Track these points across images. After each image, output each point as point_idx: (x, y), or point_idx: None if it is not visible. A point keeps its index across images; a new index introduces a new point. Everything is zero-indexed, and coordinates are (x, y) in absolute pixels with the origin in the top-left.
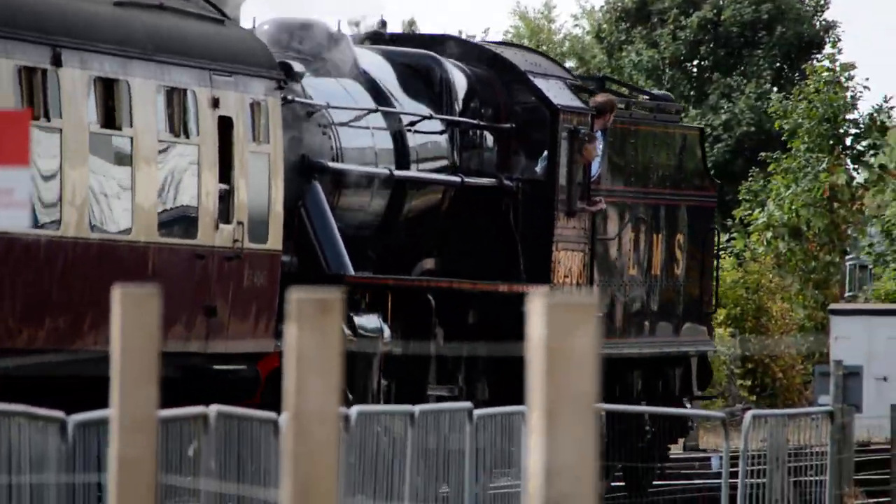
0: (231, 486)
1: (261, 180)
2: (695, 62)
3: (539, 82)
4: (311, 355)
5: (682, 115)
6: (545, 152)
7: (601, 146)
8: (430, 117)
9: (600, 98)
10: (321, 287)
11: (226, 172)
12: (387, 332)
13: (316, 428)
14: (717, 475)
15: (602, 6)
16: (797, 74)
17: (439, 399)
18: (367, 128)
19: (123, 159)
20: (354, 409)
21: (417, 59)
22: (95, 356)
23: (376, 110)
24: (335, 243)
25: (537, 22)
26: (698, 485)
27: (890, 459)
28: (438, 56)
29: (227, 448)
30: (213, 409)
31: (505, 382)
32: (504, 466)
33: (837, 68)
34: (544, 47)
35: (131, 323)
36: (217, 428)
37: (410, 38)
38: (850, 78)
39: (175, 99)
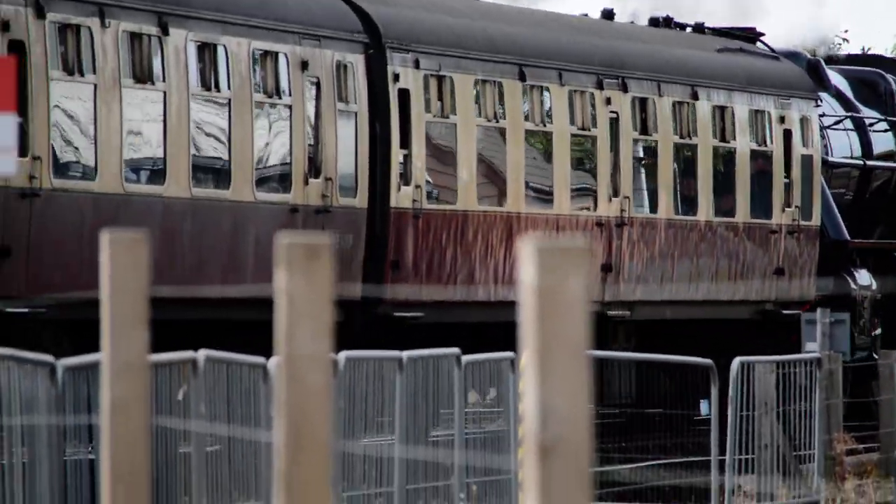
0: (222, 428)
1: (807, 175)
2: None
3: None
4: (301, 300)
5: None
6: None
7: None
8: (883, 119)
9: None
10: (829, 250)
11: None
12: (874, 283)
13: (307, 372)
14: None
15: None
16: None
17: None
18: (844, 129)
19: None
20: (343, 355)
21: (866, 74)
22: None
23: (850, 116)
24: (835, 218)
25: None
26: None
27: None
28: (882, 71)
29: (216, 392)
30: (202, 353)
31: None
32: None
33: None
34: None
35: (121, 267)
36: (206, 372)
37: (855, 58)
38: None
39: (758, 118)
